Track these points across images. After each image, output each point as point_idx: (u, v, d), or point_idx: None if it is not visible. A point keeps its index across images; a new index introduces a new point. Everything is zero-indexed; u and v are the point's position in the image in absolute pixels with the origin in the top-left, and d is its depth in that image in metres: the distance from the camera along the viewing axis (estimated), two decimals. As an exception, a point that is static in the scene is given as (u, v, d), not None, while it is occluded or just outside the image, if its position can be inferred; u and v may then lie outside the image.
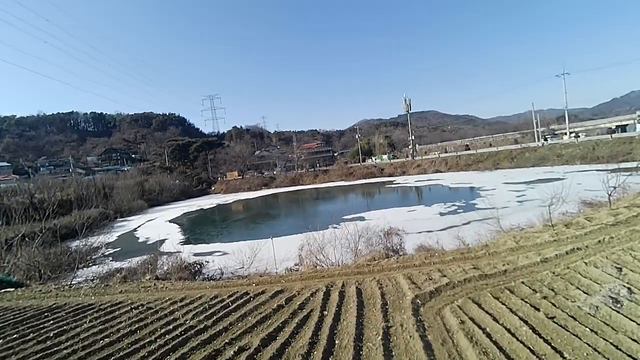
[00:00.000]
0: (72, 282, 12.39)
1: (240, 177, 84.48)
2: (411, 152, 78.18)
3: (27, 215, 24.05)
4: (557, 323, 5.07)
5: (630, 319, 4.90)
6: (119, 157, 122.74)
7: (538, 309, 5.54)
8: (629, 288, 5.74)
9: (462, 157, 58.95)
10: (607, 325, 4.86)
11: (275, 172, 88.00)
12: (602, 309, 5.27)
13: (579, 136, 53.76)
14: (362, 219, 22.78)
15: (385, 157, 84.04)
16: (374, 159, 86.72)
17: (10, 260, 14.74)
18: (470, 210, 21.93)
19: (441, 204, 26.08)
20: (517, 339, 4.79)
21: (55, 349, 6.18)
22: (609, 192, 13.01)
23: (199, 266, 12.81)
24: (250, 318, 6.56)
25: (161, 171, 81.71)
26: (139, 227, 35.03)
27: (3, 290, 10.81)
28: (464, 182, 39.94)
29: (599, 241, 8.39)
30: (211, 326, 6.35)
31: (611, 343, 4.42)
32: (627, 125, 57.05)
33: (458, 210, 22.82)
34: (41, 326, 7.42)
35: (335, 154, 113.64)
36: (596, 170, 32.14)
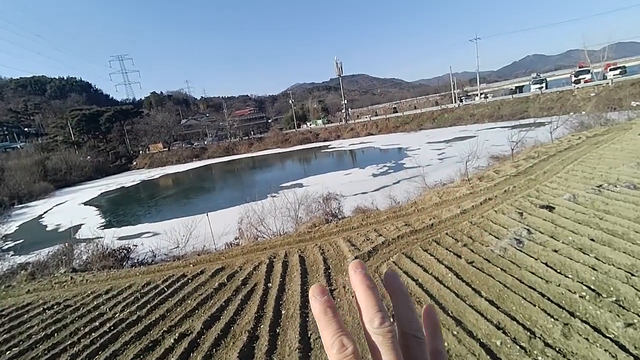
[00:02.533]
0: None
1: (166, 149, 77.33)
2: (344, 116, 79.67)
3: None
4: (475, 267, 5.79)
5: (530, 256, 5.81)
6: (6, 132, 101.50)
7: (460, 256, 6.25)
8: (528, 229, 6.78)
9: (391, 120, 62.19)
10: (513, 263, 5.71)
11: (206, 143, 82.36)
12: (509, 250, 6.15)
13: (487, 97, 60.41)
14: (300, 185, 22.90)
15: (319, 122, 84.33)
16: (308, 124, 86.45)
17: None
18: (399, 170, 23.52)
19: (374, 166, 27.49)
20: (444, 285, 5.36)
21: (-56, 372, 5.13)
22: (512, 147, 15.00)
23: (125, 251, 11.60)
24: (189, 302, 6.21)
25: (66, 146, 70.21)
26: (45, 213, 30.27)
27: None
28: (393, 144, 42.46)
29: (505, 191, 9.70)
30: (145, 316, 5.86)
31: (517, 278, 5.22)
32: (523, 86, 65.66)
33: (389, 171, 24.33)
34: None
35: (270, 120, 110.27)
36: (501, 127, 36.84)
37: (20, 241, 20.03)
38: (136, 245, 12.05)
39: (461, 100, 62.76)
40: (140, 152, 79.51)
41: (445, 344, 4.06)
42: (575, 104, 36.89)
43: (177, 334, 5.05)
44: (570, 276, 5.01)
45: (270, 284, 6.44)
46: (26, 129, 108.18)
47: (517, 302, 4.63)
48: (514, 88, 65.91)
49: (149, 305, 6.18)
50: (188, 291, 6.59)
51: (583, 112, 26.22)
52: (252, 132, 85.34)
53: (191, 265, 8.22)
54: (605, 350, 3.49)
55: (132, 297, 6.65)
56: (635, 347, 3.50)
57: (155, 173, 56.89)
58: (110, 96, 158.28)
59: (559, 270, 5.20)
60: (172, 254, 11.45)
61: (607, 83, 38.58)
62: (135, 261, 11.09)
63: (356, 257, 6.82)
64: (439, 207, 9.70)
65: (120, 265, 10.12)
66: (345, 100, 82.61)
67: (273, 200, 13.40)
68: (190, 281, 7.16)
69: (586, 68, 47.71)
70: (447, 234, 7.42)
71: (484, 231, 7.20)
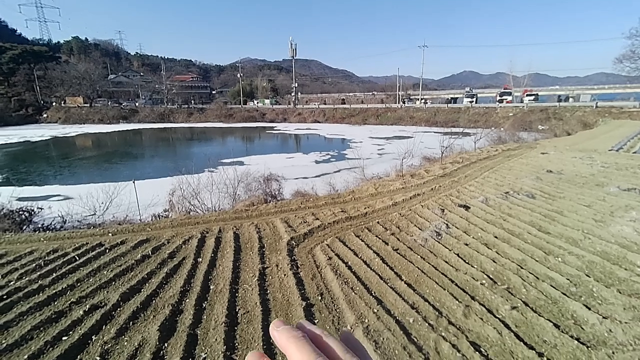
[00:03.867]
0: None
1: (88, 105, 67.86)
2: (293, 99, 78.73)
3: None
4: (399, 253, 6.32)
5: (445, 247, 6.54)
6: None
7: (387, 243, 6.75)
8: (447, 224, 7.60)
9: (338, 111, 63.38)
10: (432, 252, 6.37)
11: (137, 104, 74.23)
12: (429, 241, 6.83)
13: (427, 102, 65.16)
14: (241, 163, 22.21)
15: (267, 101, 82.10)
16: (256, 102, 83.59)
17: None
18: (341, 159, 24.25)
19: (317, 153, 27.87)
20: (371, 268, 5.76)
21: None
22: (442, 151, 16.51)
23: (27, 214, 10.02)
24: (105, 272, 5.67)
25: (-49, 84, 57.27)
26: None
27: None
28: (338, 134, 43.43)
29: (432, 189, 10.69)
30: (49, 285, 5.20)
31: (433, 265, 5.84)
32: (457, 97, 72.37)
33: (331, 159, 24.92)
34: None
35: (214, 92, 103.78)
36: (434, 132, 40.14)
37: None
38: (41, 209, 10.49)
39: (404, 102, 66.63)
40: (54, 103, 68.61)
41: (366, 320, 4.41)
42: (497, 120, 41.87)
43: (87, 306, 4.58)
44: (475, 266, 5.77)
45: (201, 259, 6.19)
46: None
47: (431, 286, 5.20)
48: (449, 98, 72.06)
49: (54, 274, 5.47)
50: (104, 261, 5.99)
51: (502, 129, 29.93)
52: (192, 101, 79.41)
53: (110, 234, 7.47)
54: (494, 328, 4.13)
55: (34, 265, 5.81)
56: (516, 326, 4.22)
57: (72, 130, 49.82)
58: (18, 32, 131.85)
59: (467, 261, 5.95)
60: (87, 222, 10.24)
61: (523, 106, 44.53)
62: (40, 226, 9.67)
63: (291, 238, 6.92)
64: (374, 197, 10.29)
65: (19, 229, 8.73)
66: (296, 84, 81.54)
67: (211, 175, 12.75)
68: (107, 251, 6.51)
69: (509, 90, 54.32)
70: (378, 222, 7.94)
71: (410, 223, 7.86)
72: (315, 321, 4.45)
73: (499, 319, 4.39)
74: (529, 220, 7.49)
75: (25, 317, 4.36)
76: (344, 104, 75.40)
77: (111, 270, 5.67)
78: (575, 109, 38.50)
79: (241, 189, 11.89)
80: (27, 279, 5.30)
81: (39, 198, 14.25)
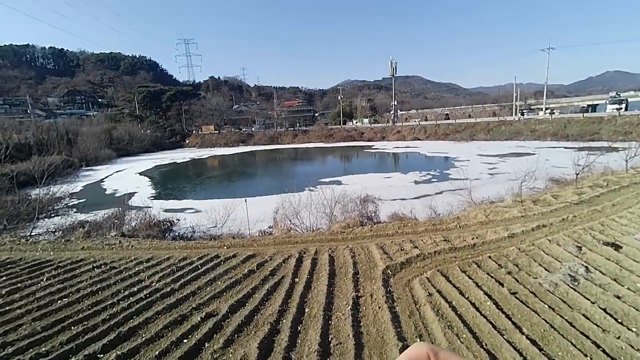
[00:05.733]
0: (31, 234, 11.70)
1: (217, 131, 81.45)
2: (392, 117, 77.77)
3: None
4: (518, 299, 5.29)
5: (585, 297, 5.18)
6: (83, 101, 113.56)
7: (502, 284, 5.75)
8: (586, 267, 6.05)
9: (441, 127, 59.45)
10: (564, 302, 5.12)
11: (253, 129, 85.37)
12: (560, 287, 5.53)
13: (553, 113, 55.25)
14: (339, 183, 22.80)
15: (366, 120, 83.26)
16: (354, 122, 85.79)
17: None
18: (444, 180, 22.42)
19: (417, 172, 26.49)
20: (481, 314, 4.96)
21: (7, 307, 5.81)
22: (577, 172, 13.52)
23: (169, 224, 12.40)
24: (219, 283, 6.43)
25: (131, 119, 76.89)
26: (106, 177, 33.44)
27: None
28: (440, 152, 40.59)
29: (563, 219, 8.77)
30: (178, 290, 6.17)
31: (566, 320, 4.66)
32: (597, 105, 59.17)
33: (432, 180, 23.29)
34: (-8, 283, 6.96)
35: (316, 114, 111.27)
36: (564, 147, 33.53)
37: (83, 200, 22.30)
38: (179, 220, 12.79)
39: (522, 114, 58.23)
40: (194, 131, 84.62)
41: (475, 378, 3.76)
42: (660, 130, 32.36)
43: (204, 313, 5.24)
44: (634, 329, 4.37)
45: (298, 279, 6.44)
46: (100, 100, 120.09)
47: (565, 347, 4.14)
48: (585, 106, 59.61)
49: (182, 280, 6.50)
50: (219, 272, 6.83)
51: (670, 141, 22.84)
52: (297, 124, 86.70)
53: (225, 247, 8.51)
54: None
55: (169, 269, 7.05)
56: None
57: (205, 153, 60.17)
58: (174, 77, 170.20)
59: (620, 320, 4.56)
60: (209, 233, 12.00)
61: None
62: (176, 234, 11.79)
63: (387, 267, 6.58)
64: (484, 226, 9.05)
65: (162, 237, 10.81)
66: (395, 102, 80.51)
67: (310, 195, 13.46)
68: (222, 263, 7.41)
69: (680, 91, 41.52)
70: (490, 257, 6.88)
71: (533, 260, 6.56)
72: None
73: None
74: None
75: (159, 316, 5.26)
76: (448, 119, 70.52)
77: (224, 282, 6.40)
78: None
79: (338, 209, 12.11)
80: (163, 282, 6.43)
81: (178, 210, 17.45)
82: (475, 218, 9.90)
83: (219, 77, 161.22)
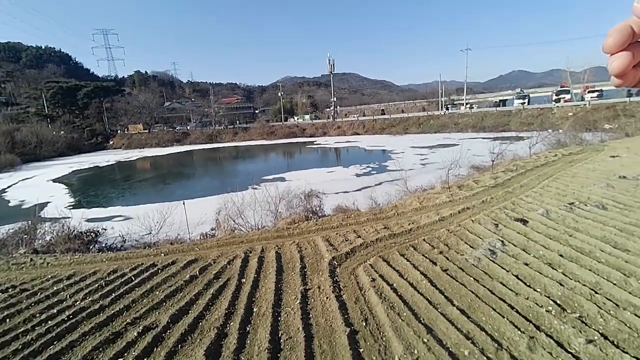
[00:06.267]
0: None
1: (147, 131, 74.85)
2: (332, 113, 79.59)
3: None
4: (449, 275, 5.86)
5: (502, 267, 5.94)
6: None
7: (435, 263, 6.31)
8: (502, 241, 6.94)
9: (378, 121, 62.64)
10: (486, 273, 5.82)
11: (189, 127, 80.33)
12: (482, 260, 6.26)
13: (472, 107, 61.90)
14: (283, 179, 22.70)
15: (307, 117, 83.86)
16: (296, 118, 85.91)
17: None
18: (382, 171, 23.70)
19: (358, 166, 27.59)
20: (418, 292, 5.39)
21: None
22: (492, 159, 15.38)
23: (93, 234, 11.08)
24: (157, 293, 5.97)
25: (39, 119, 66.69)
26: (9, 187, 28.60)
27: None
28: (378, 145, 42.78)
29: (483, 201, 9.92)
30: (109, 306, 5.58)
31: (488, 289, 5.30)
32: (507, 100, 67.80)
33: (372, 172, 24.48)
34: None
35: (257, 111, 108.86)
36: (482, 138, 37.82)
37: (-22, 216, 18.77)
38: (105, 229, 11.52)
39: (447, 108, 64.02)
40: (119, 131, 76.64)
41: (415, 351, 4.08)
42: (554, 121, 38.33)
43: (141, 327, 4.82)
44: (538, 290, 5.14)
45: (244, 280, 6.28)
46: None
47: (487, 312, 4.71)
48: (498, 101, 67.87)
49: (113, 295, 5.88)
50: (157, 282, 6.33)
51: (560, 130, 27.29)
52: (237, 121, 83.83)
53: (162, 254, 7.92)
54: (567, 365, 3.58)
55: (96, 285, 6.32)
56: (595, 365, 3.62)
57: (133, 154, 54.97)
58: (91, 71, 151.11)
59: (528, 284, 5.33)
60: (143, 241, 11.05)
61: (585, 104, 40.33)
62: (104, 246, 10.62)
63: (333, 258, 6.77)
64: (418, 212, 9.80)
65: (86, 249, 9.65)
66: (335, 98, 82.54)
67: (254, 193, 13.18)
68: (160, 271, 6.89)
69: (567, 88, 49.70)
70: (424, 240, 7.50)
71: (460, 240, 7.31)
72: (361, 350, 4.22)
73: (571, 354, 3.81)
74: (601, 236, 6.57)
75: (87, 337, 4.70)
76: (384, 114, 74.53)
77: (162, 291, 5.95)
78: (649, 104, 33.91)
79: (283, 206, 12.06)
80: (90, 299, 5.75)
81: (104, 219, 15.72)
82: (411, 205, 10.67)
83: (146, 72, 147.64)
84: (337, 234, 8.42)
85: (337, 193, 17.38)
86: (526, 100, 52.99)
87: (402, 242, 7.54)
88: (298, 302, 5.30)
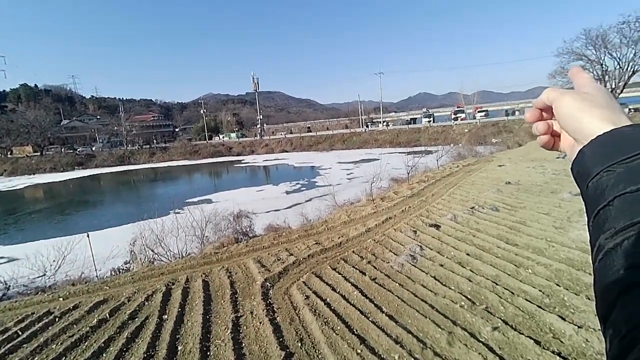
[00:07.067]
0: None
1: (38, 153, 63.75)
2: (259, 131, 79.10)
3: None
4: (378, 283, 6.18)
5: (422, 270, 6.50)
6: None
7: (364, 274, 6.60)
8: (420, 246, 7.62)
9: (305, 139, 64.34)
10: (409, 278, 6.29)
11: (94, 149, 70.96)
12: (405, 266, 6.77)
13: (388, 125, 68.12)
14: (209, 201, 21.47)
15: (233, 135, 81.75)
16: (221, 136, 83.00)
17: None
18: (311, 187, 24.21)
19: (287, 183, 27.72)
20: (350, 303, 5.54)
21: None
22: (408, 171, 17.01)
23: (-39, 285, 8.80)
24: (54, 346, 4.98)
25: None
26: None
27: None
28: (306, 162, 43.76)
29: (403, 210, 10.83)
30: (-17, 374, 4.45)
31: (412, 292, 5.74)
32: (416, 118, 76.50)
33: (302, 188, 24.83)
34: None
35: (177, 130, 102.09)
36: (399, 152, 41.65)
37: None
38: (-22, 277, 9.27)
39: (367, 126, 69.25)
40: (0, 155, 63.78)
41: (351, 363, 4.15)
42: (454, 137, 44.40)
43: (30, 394, 3.94)
44: (452, 288, 5.75)
45: (166, 316, 5.65)
46: None
47: (412, 315, 5.07)
48: (409, 119, 75.96)
49: (-11, 359, 4.72)
50: (53, 333, 5.28)
51: (460, 145, 31.69)
52: (155, 141, 77.18)
53: (60, 299, 6.68)
54: (479, 353, 4.04)
55: (-37, 350, 4.98)
56: (500, 348, 4.16)
57: (20, 182, 46.19)
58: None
59: (444, 283, 5.93)
60: (34, 286, 9.16)
61: (476, 122, 47.81)
62: (-25, 298, 8.49)
63: (266, 280, 6.57)
64: (347, 225, 10.20)
65: (-52, 306, 7.57)
66: (261, 116, 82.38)
67: (176, 218, 12.12)
68: (57, 320, 5.77)
69: (462, 108, 58.37)
70: (353, 251, 7.80)
71: (385, 248, 7.81)
72: (297, 372, 4.12)
73: (482, 342, 4.31)
74: (497, 234, 7.72)
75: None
76: (310, 131, 76.87)
77: (61, 344, 4.99)
78: (522, 122, 41.88)
79: (210, 229, 11.36)
80: (-46, 369, 4.51)
81: (-22, 263, 12.68)
82: (340, 219, 11.07)
83: (36, 86, 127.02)
84: (269, 254, 8.23)
85: (268, 212, 17.12)
86: (432, 119, 60.55)
87: (333, 256, 7.73)
88: (229, 332, 4.97)
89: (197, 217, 11.53)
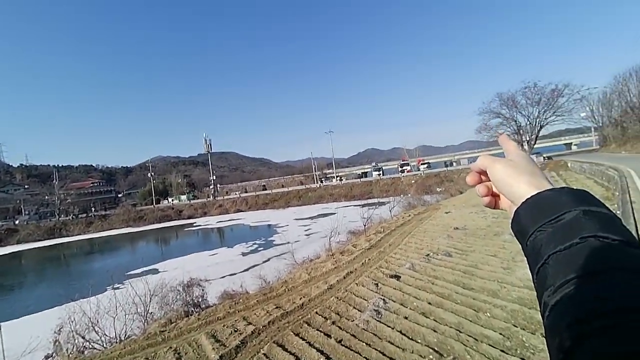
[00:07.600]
0: None
1: (-57, 231, 54.33)
2: (212, 192, 76.89)
3: None
4: (344, 345, 5.81)
5: (387, 325, 6.30)
6: None
7: (330, 336, 6.20)
8: (383, 299, 7.48)
9: (260, 197, 63.74)
10: (375, 335, 6.03)
11: (17, 222, 62.64)
12: (370, 322, 6.53)
13: (342, 179, 70.77)
14: (155, 271, 19.53)
15: (184, 197, 78.32)
16: (171, 200, 78.97)
17: None
18: (269, 247, 23.36)
19: (243, 244, 26.50)
20: (317, 373, 5.09)
21: None
22: (364, 223, 17.36)
23: None
24: None
25: None
26: None
27: None
28: (262, 220, 42.74)
29: (363, 263, 10.77)
30: None
31: (379, 351, 5.46)
32: (367, 172, 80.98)
33: (259, 249, 23.82)
34: None
35: (120, 195, 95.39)
36: (354, 205, 42.80)
37: None
38: None
39: (322, 181, 71.19)
40: None
41: None
42: (403, 188, 47.19)
43: None
44: (419, 341, 5.60)
45: (96, 421, 4.64)
46: None
47: (383, 376, 4.77)
48: (361, 173, 79.99)
49: None
50: None
51: (409, 195, 33.63)
52: (93, 209, 70.73)
53: (-50, 418, 5.21)
54: (454, 411, 3.84)
55: None
56: (473, 401, 4.00)
57: None
58: None
59: (410, 337, 5.77)
60: None
61: (420, 174, 51.80)
62: None
63: (221, 357, 5.84)
64: (308, 284, 9.79)
65: None
66: (214, 176, 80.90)
67: (114, 294, 10.66)
68: None
69: (407, 161, 63.32)
70: (317, 312, 7.40)
71: (349, 305, 7.53)
72: None
73: (455, 398, 4.13)
74: (453, 279, 7.92)
75: None
76: (265, 189, 76.67)
77: None
78: (460, 171, 46.41)
79: (155, 304, 10.11)
80: None
81: None
82: (300, 278, 10.62)
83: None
84: (224, 325, 7.46)
85: (223, 277, 15.93)
86: (381, 172, 64.48)
87: (295, 320, 7.22)
88: None
89: (140, 291, 10.27)
